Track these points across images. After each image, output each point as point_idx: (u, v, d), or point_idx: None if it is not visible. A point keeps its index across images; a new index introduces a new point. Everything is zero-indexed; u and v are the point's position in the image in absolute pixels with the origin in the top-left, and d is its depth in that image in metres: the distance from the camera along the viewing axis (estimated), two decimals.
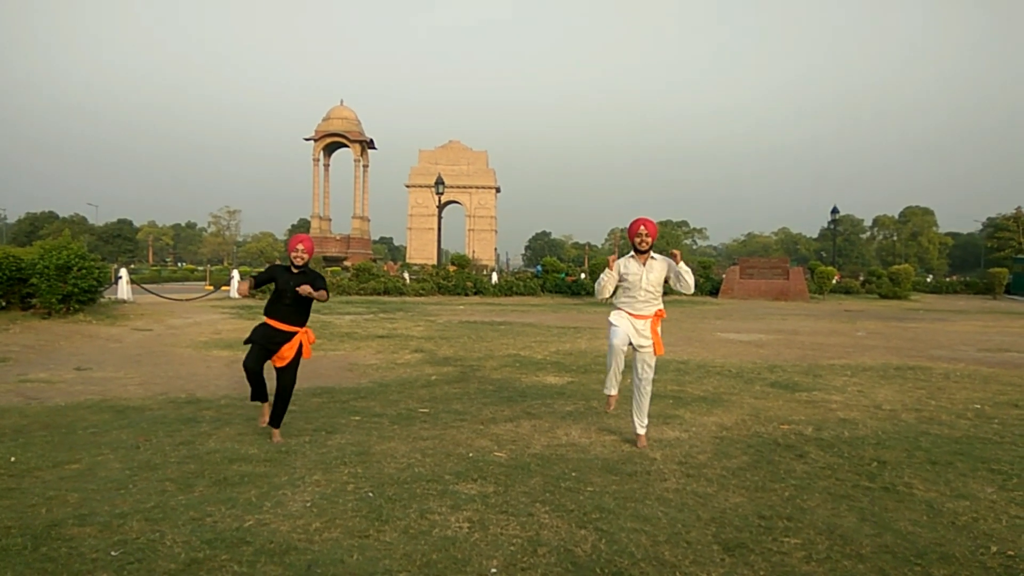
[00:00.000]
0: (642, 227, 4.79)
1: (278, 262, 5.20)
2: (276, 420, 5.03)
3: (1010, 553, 3.13)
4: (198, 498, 3.66)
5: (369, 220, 39.83)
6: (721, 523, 3.43)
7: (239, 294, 4.89)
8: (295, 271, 4.96)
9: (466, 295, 25.79)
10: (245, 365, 4.97)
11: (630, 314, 4.89)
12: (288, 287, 4.87)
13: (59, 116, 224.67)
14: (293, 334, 4.92)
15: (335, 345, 10.80)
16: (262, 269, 5.07)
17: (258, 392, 5.07)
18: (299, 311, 4.96)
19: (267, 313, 4.96)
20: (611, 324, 4.97)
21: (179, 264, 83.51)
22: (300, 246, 4.97)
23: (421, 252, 73.48)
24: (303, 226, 74.48)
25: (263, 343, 4.92)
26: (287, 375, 4.97)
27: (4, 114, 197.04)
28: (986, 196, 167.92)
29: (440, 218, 37.52)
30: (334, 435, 5.11)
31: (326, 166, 39.40)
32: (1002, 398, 7.03)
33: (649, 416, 5.73)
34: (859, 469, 4.42)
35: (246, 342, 5.02)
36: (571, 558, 2.99)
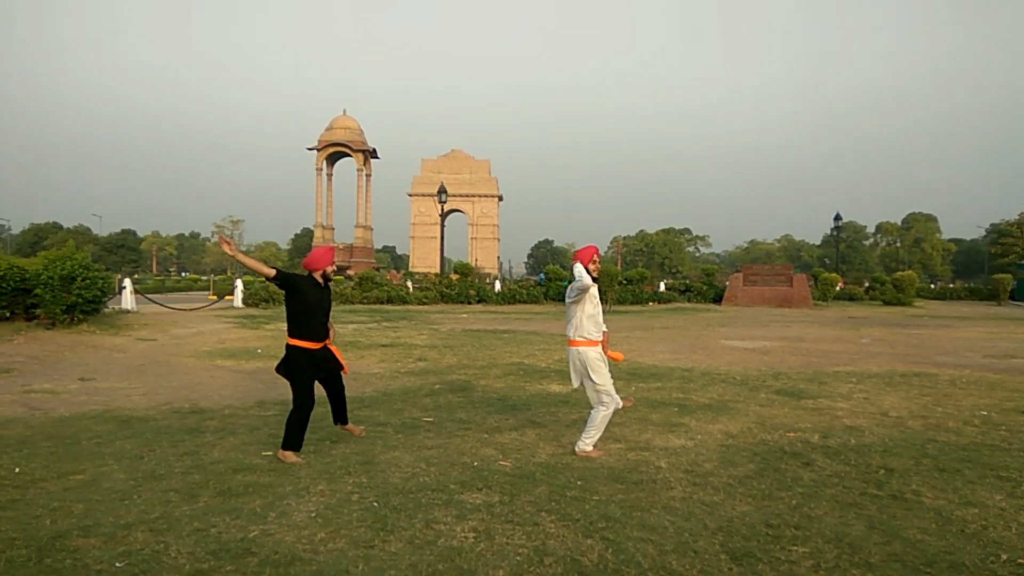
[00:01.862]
0: (596, 255, 4.79)
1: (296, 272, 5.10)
2: (344, 416, 5.32)
3: (1020, 561, 3.11)
4: (202, 508, 3.65)
5: (372, 229, 39.79)
6: (728, 532, 3.41)
7: (229, 250, 4.70)
8: (322, 286, 4.87)
9: (469, 303, 25.78)
10: (305, 411, 4.70)
11: (597, 343, 4.81)
12: (322, 304, 4.81)
13: (64, 127, 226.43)
14: (325, 348, 4.93)
15: None
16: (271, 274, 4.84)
17: (300, 439, 4.76)
18: (326, 324, 4.94)
19: (301, 336, 4.73)
20: (605, 377, 4.82)
21: (183, 274, 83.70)
22: (333, 259, 4.99)
23: (424, 261, 73.45)
24: (307, 235, 74.71)
25: (314, 376, 4.85)
26: (337, 380, 5.17)
27: (8, 125, 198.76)
28: (990, 202, 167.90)
29: (443, 227, 37.58)
30: (338, 444, 5.10)
31: (329, 175, 39.49)
32: (1009, 404, 7.00)
33: (654, 424, 5.73)
34: (866, 477, 4.39)
35: (293, 376, 4.76)
36: (578, 568, 2.97)
